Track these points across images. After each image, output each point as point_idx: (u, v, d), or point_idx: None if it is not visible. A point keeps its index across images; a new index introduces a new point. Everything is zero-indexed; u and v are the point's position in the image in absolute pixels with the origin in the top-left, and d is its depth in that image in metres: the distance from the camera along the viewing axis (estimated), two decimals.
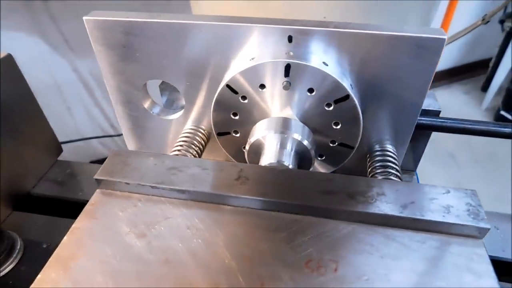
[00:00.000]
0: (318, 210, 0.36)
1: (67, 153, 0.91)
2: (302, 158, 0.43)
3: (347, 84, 0.42)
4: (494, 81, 2.42)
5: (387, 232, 0.35)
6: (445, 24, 1.96)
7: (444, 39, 0.39)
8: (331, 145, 0.47)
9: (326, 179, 0.38)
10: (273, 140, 0.42)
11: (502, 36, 2.33)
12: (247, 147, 0.43)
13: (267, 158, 0.41)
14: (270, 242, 0.34)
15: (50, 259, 0.33)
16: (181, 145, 0.50)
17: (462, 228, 0.34)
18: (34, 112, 0.71)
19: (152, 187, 0.38)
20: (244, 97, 0.45)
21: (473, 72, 2.82)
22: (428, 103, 0.50)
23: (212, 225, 0.35)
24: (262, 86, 0.43)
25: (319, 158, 0.49)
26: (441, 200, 0.36)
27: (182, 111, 0.51)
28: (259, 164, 0.41)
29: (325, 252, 0.33)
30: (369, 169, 0.48)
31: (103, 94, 1.70)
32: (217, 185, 0.37)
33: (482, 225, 0.34)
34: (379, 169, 0.47)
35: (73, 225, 0.36)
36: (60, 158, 0.76)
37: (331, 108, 0.43)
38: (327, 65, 0.42)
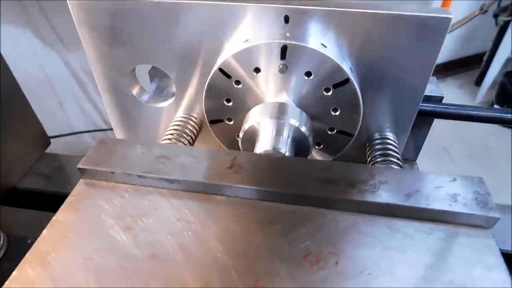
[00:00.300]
0: (317, 200, 0.34)
1: (59, 148, 0.88)
2: (300, 145, 0.41)
3: (346, 67, 0.40)
4: (488, 75, 2.41)
5: (390, 223, 0.33)
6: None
7: (450, 18, 0.37)
8: (330, 132, 0.45)
9: (325, 167, 0.36)
10: (269, 126, 0.40)
11: (496, 30, 2.31)
12: (241, 134, 0.41)
13: (262, 146, 0.38)
14: (266, 234, 0.32)
15: (28, 254, 0.30)
16: (171, 134, 0.47)
17: (470, 217, 0.32)
18: (20, 105, 0.68)
19: (139, 176, 0.35)
20: (237, 82, 0.42)
21: (467, 66, 2.81)
22: (430, 89, 0.48)
23: (203, 217, 0.33)
24: (257, 70, 0.41)
25: (316, 147, 0.46)
26: (447, 188, 0.34)
27: (173, 98, 0.49)
28: (254, 151, 0.39)
29: (325, 244, 0.31)
30: (369, 158, 0.46)
31: (95, 88, 1.66)
32: (209, 174, 0.35)
33: (491, 214, 0.32)
34: (379, 157, 0.44)
35: (54, 218, 0.33)
36: (52, 153, 0.73)
37: (329, 93, 0.41)
38: (325, 47, 0.39)
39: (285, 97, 0.42)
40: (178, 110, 0.50)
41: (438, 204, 0.32)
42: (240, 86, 0.42)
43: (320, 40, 0.39)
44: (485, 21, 1.99)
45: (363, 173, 0.35)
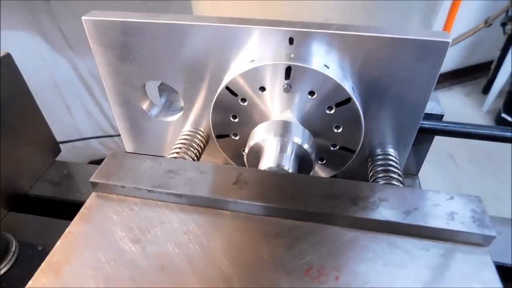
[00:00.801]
0: (319, 216, 0.35)
1: (66, 153, 0.90)
2: (303, 161, 0.42)
3: (348, 87, 0.41)
4: (495, 83, 2.42)
5: (390, 239, 0.34)
6: (447, 25, 1.95)
7: (448, 42, 0.38)
8: (332, 148, 0.46)
9: (327, 184, 0.37)
10: (273, 144, 0.41)
11: (504, 39, 2.32)
12: (246, 150, 0.43)
13: (267, 162, 0.40)
14: (270, 248, 0.33)
15: (43, 264, 0.32)
16: (179, 148, 0.49)
17: (467, 235, 0.33)
18: (32, 112, 0.70)
19: (148, 191, 0.37)
20: (243, 100, 0.44)
21: (474, 74, 2.82)
22: (431, 107, 0.49)
23: (209, 231, 0.35)
24: (262, 89, 0.42)
25: (319, 162, 0.48)
26: (445, 207, 0.35)
27: (181, 113, 0.51)
28: (259, 168, 0.41)
29: (327, 259, 0.32)
30: (371, 173, 0.47)
31: (102, 93, 1.69)
32: (215, 189, 0.36)
33: (487, 232, 0.33)
34: (380, 173, 0.46)
35: (67, 229, 0.35)
36: (58, 158, 0.75)
37: (332, 111, 0.42)
38: (328, 67, 0.41)
39: (289, 115, 0.44)
40: (186, 124, 0.52)
41: (436, 222, 0.34)
42: (246, 103, 0.44)
43: (323, 61, 0.41)
44: (492, 30, 2.00)
45: (364, 190, 0.37)
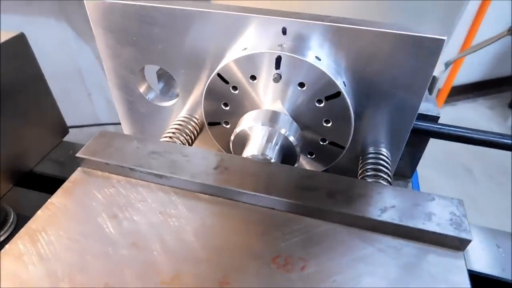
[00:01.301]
0: (295, 207, 0.35)
1: (83, 138, 0.92)
2: (287, 153, 0.42)
3: (339, 81, 0.41)
4: None
5: (363, 235, 0.34)
6: (471, 31, 1.88)
7: (443, 40, 0.37)
8: (322, 143, 0.46)
9: (307, 176, 0.37)
10: (259, 132, 0.41)
11: None
12: (232, 137, 0.43)
13: (250, 150, 0.40)
14: (242, 234, 0.34)
15: (21, 230, 0.33)
16: (172, 132, 0.49)
17: (442, 237, 0.32)
18: (42, 93, 0.72)
19: (131, 169, 0.38)
20: (234, 88, 0.44)
21: (500, 87, 2.72)
22: (427, 108, 0.48)
23: (185, 213, 0.35)
24: (253, 78, 0.42)
25: (309, 156, 0.48)
26: (424, 207, 0.34)
27: (176, 99, 0.51)
28: (242, 155, 0.41)
29: (296, 249, 0.32)
30: (360, 171, 0.46)
31: None
32: (195, 173, 0.37)
33: (464, 236, 0.32)
34: (369, 171, 0.45)
35: (49, 200, 0.36)
36: (68, 141, 0.77)
37: (322, 104, 0.42)
38: (320, 59, 0.40)
39: (279, 105, 0.44)
40: (182, 110, 0.53)
41: (412, 221, 0.33)
42: (237, 92, 0.44)
43: (316, 53, 0.40)
44: None
45: (344, 185, 0.36)
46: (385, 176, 0.44)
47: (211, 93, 0.45)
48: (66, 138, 0.79)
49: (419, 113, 0.47)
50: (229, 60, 0.42)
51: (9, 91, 0.62)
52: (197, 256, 0.32)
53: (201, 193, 0.37)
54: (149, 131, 0.56)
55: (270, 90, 0.43)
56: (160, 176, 0.37)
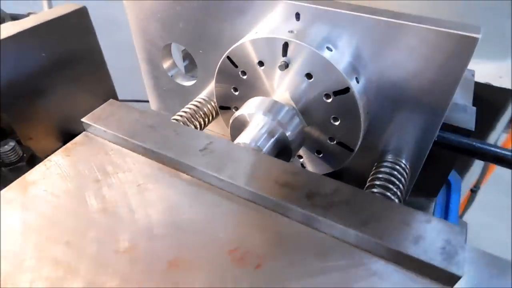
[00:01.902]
0: (269, 202, 0.33)
1: None
2: (282, 148, 0.39)
3: (351, 76, 0.37)
4: None
5: (335, 245, 0.30)
6: None
7: (477, 38, 0.31)
8: (330, 142, 0.42)
9: (292, 172, 0.34)
10: (258, 121, 0.39)
11: None
12: (231, 120, 0.41)
13: (244, 137, 0.38)
14: (208, 219, 0.32)
15: (18, 179, 0.36)
16: (185, 112, 0.50)
17: (426, 267, 0.28)
18: (98, 65, 0.77)
19: (124, 139, 0.39)
20: (243, 73, 0.42)
21: None
22: (463, 119, 0.41)
23: (161, 189, 0.35)
24: (261, 63, 0.40)
25: (316, 154, 0.44)
26: (415, 228, 0.30)
27: (195, 80, 0.51)
28: (235, 140, 0.39)
29: (257, 245, 0.30)
30: (370, 178, 0.42)
31: None
32: (180, 151, 0.37)
33: (453, 270, 0.27)
34: (378, 181, 0.40)
35: (49, 157, 0.39)
36: None
37: (330, 100, 0.39)
38: (331, 50, 0.37)
39: (286, 96, 0.41)
40: (202, 92, 0.53)
41: (393, 241, 0.29)
42: (246, 77, 0.43)
43: (328, 42, 0.37)
44: None
45: (328, 187, 0.33)
46: (394, 188, 0.39)
47: (221, 76, 0.44)
48: None
49: (451, 124, 0.41)
50: (238, 43, 0.40)
51: (69, 60, 0.68)
52: (157, 233, 0.31)
53: (183, 172, 0.36)
54: (172, 108, 0.57)
55: (278, 79, 0.41)
56: (147, 150, 0.37)
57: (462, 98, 0.44)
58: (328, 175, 0.45)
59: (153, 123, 0.40)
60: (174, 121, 0.47)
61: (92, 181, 0.36)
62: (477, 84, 0.71)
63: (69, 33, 0.69)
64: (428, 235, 0.29)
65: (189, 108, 0.50)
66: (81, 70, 0.75)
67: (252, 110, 0.40)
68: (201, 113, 0.50)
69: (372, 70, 0.37)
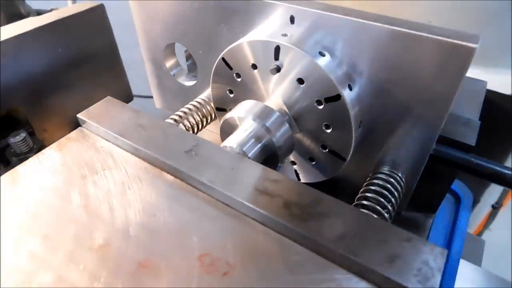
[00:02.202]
0: (245, 208, 0.32)
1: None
2: (269, 154, 0.38)
3: (343, 83, 0.36)
4: None
5: (309, 258, 0.29)
6: None
7: (474, 48, 0.29)
8: (322, 150, 0.41)
9: (273, 180, 0.34)
10: (246, 126, 0.39)
11: None
12: (221, 122, 0.41)
13: (231, 141, 0.38)
14: (184, 221, 0.32)
15: (11, 170, 0.37)
16: (184, 112, 0.50)
17: (398, 287, 0.26)
18: (114, 61, 0.79)
19: (114, 137, 0.39)
20: (238, 75, 0.42)
21: None
22: (463, 133, 0.39)
23: (144, 189, 0.35)
24: (254, 66, 0.40)
25: (309, 161, 0.43)
26: (393, 246, 0.28)
27: (196, 80, 0.51)
28: (222, 143, 0.39)
29: (229, 253, 0.30)
30: (362, 189, 0.40)
31: None
32: (165, 152, 0.37)
33: None
34: (369, 192, 0.39)
35: (42, 150, 0.40)
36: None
37: (321, 106, 0.38)
38: (323, 55, 0.36)
39: (279, 101, 0.40)
40: (203, 92, 0.53)
41: (367, 259, 0.27)
42: (240, 79, 0.42)
43: (321, 47, 0.36)
44: None
45: (307, 199, 0.32)
46: (385, 202, 0.38)
47: (217, 78, 0.44)
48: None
49: (449, 138, 0.38)
50: (232, 45, 0.40)
51: (85, 56, 0.70)
52: (132, 233, 0.31)
53: (167, 173, 0.36)
54: (174, 107, 0.58)
55: (272, 83, 0.40)
56: (135, 148, 0.38)
57: (468, 111, 0.42)
58: (323, 184, 0.44)
59: (144, 122, 0.41)
60: (171, 120, 0.48)
61: (79, 177, 0.36)
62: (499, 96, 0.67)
63: (86, 30, 0.71)
64: (406, 254, 0.28)
65: (188, 108, 0.50)
66: (97, 66, 0.76)
67: (242, 113, 0.39)
68: (199, 113, 0.50)
69: (367, 78, 0.36)
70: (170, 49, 0.52)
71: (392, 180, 0.40)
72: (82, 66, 0.70)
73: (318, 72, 0.35)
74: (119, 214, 0.33)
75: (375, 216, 0.37)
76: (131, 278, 0.28)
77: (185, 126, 0.49)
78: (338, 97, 0.36)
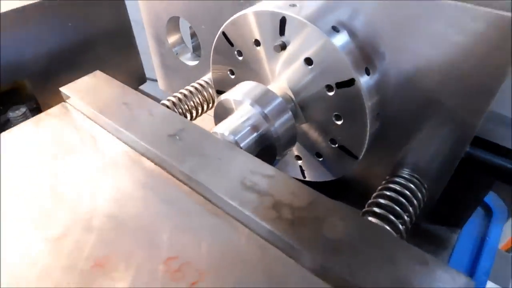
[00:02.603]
0: (228, 206, 0.27)
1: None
2: (266, 145, 0.33)
3: (358, 64, 0.30)
4: None
5: (294, 270, 0.24)
6: None
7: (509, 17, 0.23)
8: (331, 145, 0.35)
9: (265, 175, 0.28)
10: (243, 111, 0.33)
11: None
12: (215, 102, 0.36)
13: (223, 126, 0.33)
14: (157, 216, 0.28)
15: None
16: (184, 94, 0.45)
17: None
18: (127, 43, 0.76)
19: (95, 113, 0.35)
20: (239, 53, 0.37)
21: None
22: (502, 134, 0.32)
23: (119, 175, 0.31)
24: (257, 43, 0.34)
25: (316, 157, 0.38)
26: (401, 269, 0.22)
27: (198, 61, 0.47)
28: (213, 128, 0.34)
29: (202, 257, 0.25)
30: (375, 194, 0.34)
31: None
32: (147, 134, 0.32)
33: None
34: (383, 199, 0.33)
35: (21, 124, 0.36)
36: (143, 90, 0.81)
37: (332, 93, 0.32)
38: (337, 31, 0.30)
39: (283, 84, 0.35)
40: (205, 74, 0.48)
41: (363, 280, 0.22)
42: (242, 58, 0.37)
43: (335, 21, 0.30)
44: None
45: (302, 199, 0.26)
46: (401, 211, 0.32)
47: (217, 56, 0.39)
48: (142, 87, 0.82)
49: (484, 139, 0.32)
50: (234, 17, 0.35)
51: (97, 34, 0.67)
52: (95, 224, 0.27)
53: (146, 158, 0.32)
54: (178, 89, 0.53)
55: (276, 62, 0.34)
56: (115, 129, 0.33)
57: (507, 107, 0.34)
58: (330, 184, 0.38)
59: (130, 100, 0.36)
60: (167, 102, 0.43)
61: (50, 156, 0.33)
62: None
63: (98, 5, 0.67)
64: (417, 282, 0.22)
65: (188, 90, 0.45)
66: (109, 44, 0.73)
67: (239, 96, 0.34)
68: (199, 96, 0.45)
69: (391, 61, 0.30)
70: (173, 24, 0.47)
71: (411, 185, 0.33)
72: (93, 44, 0.67)
73: (330, 51, 0.30)
74: (86, 201, 0.29)
75: (387, 227, 0.31)
76: (82, 278, 0.24)
77: (182, 109, 0.44)
78: (351, 82, 0.30)
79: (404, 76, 0.30)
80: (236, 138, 0.32)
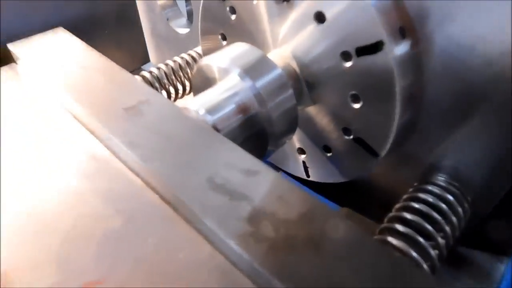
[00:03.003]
0: (186, 210, 0.19)
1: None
2: (255, 132, 0.25)
3: (389, 22, 0.21)
4: None
5: None
6: None
7: None
8: (344, 136, 0.27)
9: (247, 171, 0.20)
10: (228, 82, 0.25)
11: None
12: (194, 69, 0.28)
13: (198, 103, 0.25)
14: (84, 217, 0.20)
15: None
16: (166, 65, 0.37)
17: None
18: (131, 22, 0.71)
19: (49, 80, 0.27)
20: (232, 9, 0.28)
21: None
22: None
23: (55, 159, 0.23)
24: None
25: (323, 151, 0.29)
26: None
27: (189, 29, 0.39)
28: (184, 104, 0.25)
29: (137, 282, 0.17)
30: (398, 206, 0.25)
31: None
32: (101, 106, 0.24)
33: None
34: (409, 213, 0.24)
35: None
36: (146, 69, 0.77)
37: (350, 63, 0.23)
38: None
39: (286, 52, 0.26)
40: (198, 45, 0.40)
41: None
42: (235, 16, 0.28)
43: None
44: None
45: (293, 207, 0.18)
46: (433, 232, 0.23)
47: (206, 16, 0.31)
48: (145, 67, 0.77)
49: None
50: None
51: (104, 14, 0.62)
52: (40, 210, 0.20)
53: (96, 137, 0.24)
54: (168, 56, 0.46)
55: (278, 21, 0.26)
56: (68, 99, 0.26)
57: None
58: (340, 187, 0.30)
59: (90, 64, 0.29)
60: (147, 74, 0.35)
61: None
62: None
63: None
64: None
65: (174, 61, 0.37)
66: (113, 22, 0.68)
67: (225, 62, 0.25)
68: (188, 70, 0.37)
69: (437, 24, 0.21)
70: None
71: (450, 197, 0.25)
72: (96, 20, 0.62)
73: (349, 2, 0.21)
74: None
75: (413, 253, 0.22)
76: None
77: (166, 84, 0.36)
78: (378, 45, 0.21)
79: (454, 50, 0.21)
80: (213, 118, 0.24)
